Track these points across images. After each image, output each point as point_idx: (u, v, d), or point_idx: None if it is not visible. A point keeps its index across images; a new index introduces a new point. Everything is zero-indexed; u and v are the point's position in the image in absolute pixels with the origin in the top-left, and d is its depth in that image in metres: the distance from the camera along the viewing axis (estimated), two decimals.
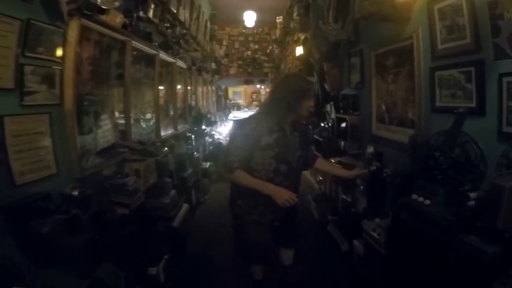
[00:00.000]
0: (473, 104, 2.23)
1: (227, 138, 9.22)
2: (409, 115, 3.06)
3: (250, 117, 2.66)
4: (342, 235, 3.89)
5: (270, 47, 13.20)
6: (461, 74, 2.33)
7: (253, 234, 2.56)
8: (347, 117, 4.20)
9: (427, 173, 2.12)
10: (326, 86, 5.11)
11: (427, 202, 2.05)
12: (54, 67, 2.41)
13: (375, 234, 2.77)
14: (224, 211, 5.49)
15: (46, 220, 1.97)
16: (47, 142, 2.33)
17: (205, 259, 4.00)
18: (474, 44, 2.20)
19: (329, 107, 5.59)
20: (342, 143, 4.52)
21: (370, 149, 3.53)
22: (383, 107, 3.55)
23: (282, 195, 2.31)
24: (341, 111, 4.60)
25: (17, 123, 2.07)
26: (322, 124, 5.47)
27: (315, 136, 5.33)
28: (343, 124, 4.31)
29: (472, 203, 1.86)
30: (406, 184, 2.39)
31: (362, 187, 3.45)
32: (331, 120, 5.15)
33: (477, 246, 1.64)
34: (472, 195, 1.86)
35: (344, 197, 4.21)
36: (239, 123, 2.65)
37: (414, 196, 2.15)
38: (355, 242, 3.32)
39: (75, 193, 2.42)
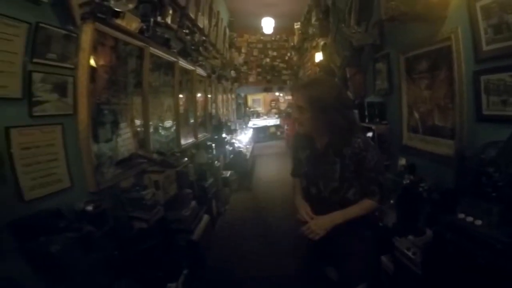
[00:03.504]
0: None
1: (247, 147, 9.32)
2: (448, 124, 2.78)
3: None
4: None
5: (289, 54, 13.13)
6: None
7: None
8: (373, 127, 3.93)
9: (478, 190, 1.89)
10: (349, 93, 4.86)
11: (478, 222, 1.81)
12: (66, 74, 2.23)
13: (409, 253, 2.52)
14: (245, 222, 5.38)
15: (56, 238, 1.83)
16: (59, 154, 2.15)
17: (225, 274, 3.85)
18: None
19: None
20: None
21: (402, 161, 3.27)
22: (416, 116, 3.27)
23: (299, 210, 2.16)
24: (367, 120, 4.32)
25: (26, 135, 1.89)
26: None
27: None
28: (369, 134, 4.03)
29: None
30: (448, 201, 2.17)
31: (392, 201, 3.18)
32: None
33: None
34: None
35: None
36: None
37: (461, 215, 1.91)
38: (383, 258, 3.04)
39: (89, 208, 2.24)
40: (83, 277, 2.05)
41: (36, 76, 1.97)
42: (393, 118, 3.72)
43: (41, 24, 2.00)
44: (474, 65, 2.38)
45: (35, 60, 1.96)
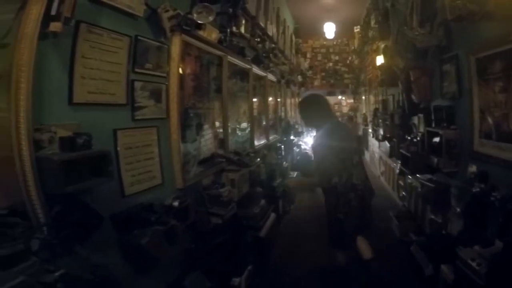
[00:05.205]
0: None
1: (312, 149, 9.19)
2: None
3: None
4: (428, 258, 3.38)
5: (350, 58, 12.88)
6: None
7: None
8: (441, 131, 3.58)
9: None
10: (413, 96, 4.53)
11: None
12: (160, 82, 2.40)
13: (474, 264, 2.27)
14: (307, 221, 5.38)
15: (146, 231, 1.95)
16: (154, 154, 2.31)
17: (287, 271, 3.79)
18: None
19: (416, 120, 5.10)
20: (435, 159, 3.83)
21: (472, 168, 3.01)
22: (490, 120, 2.93)
23: None
24: (433, 125, 3.97)
25: (129, 136, 2.06)
26: (409, 138, 4.85)
27: (402, 151, 4.74)
28: (436, 139, 3.71)
29: None
30: None
31: (458, 209, 2.95)
32: (419, 134, 4.55)
33: None
34: None
35: (432, 217, 3.69)
36: None
37: None
38: (443, 267, 2.82)
39: (176, 203, 2.38)
40: (164, 268, 2.19)
41: (137, 84, 2.13)
42: (462, 123, 3.38)
43: (139, 37, 2.16)
44: None
45: (136, 70, 2.13)
